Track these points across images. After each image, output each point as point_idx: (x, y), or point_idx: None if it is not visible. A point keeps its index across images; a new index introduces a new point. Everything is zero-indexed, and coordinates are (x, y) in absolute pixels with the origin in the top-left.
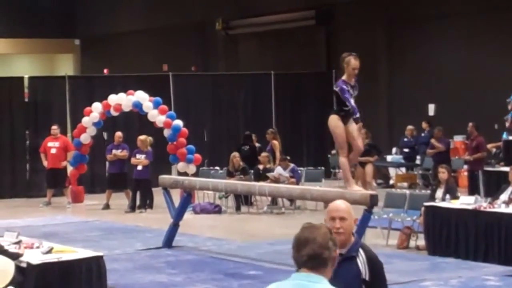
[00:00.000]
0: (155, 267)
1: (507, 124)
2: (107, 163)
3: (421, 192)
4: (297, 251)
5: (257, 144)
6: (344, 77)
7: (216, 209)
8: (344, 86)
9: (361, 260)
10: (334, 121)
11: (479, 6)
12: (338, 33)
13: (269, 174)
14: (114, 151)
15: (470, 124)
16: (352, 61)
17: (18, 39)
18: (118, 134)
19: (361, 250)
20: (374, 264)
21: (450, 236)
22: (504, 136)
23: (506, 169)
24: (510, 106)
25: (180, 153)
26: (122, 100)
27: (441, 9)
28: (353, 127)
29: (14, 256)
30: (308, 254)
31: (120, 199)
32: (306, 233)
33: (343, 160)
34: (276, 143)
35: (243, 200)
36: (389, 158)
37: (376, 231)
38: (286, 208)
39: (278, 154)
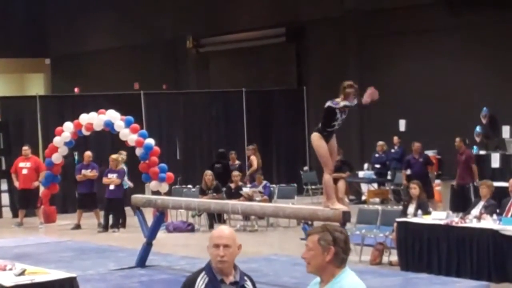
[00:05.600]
0: (128, 287)
1: (477, 139)
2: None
3: (393, 208)
4: (349, 248)
5: (237, 162)
6: (338, 100)
7: (189, 228)
8: (335, 106)
9: (251, 284)
10: (316, 140)
11: (448, 23)
12: (308, 50)
13: (243, 192)
14: (83, 171)
15: (458, 139)
16: (351, 97)
17: None
18: (88, 153)
19: (245, 277)
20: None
21: (423, 251)
22: (475, 150)
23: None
24: (485, 120)
25: (152, 171)
26: (93, 119)
27: (411, 26)
28: (334, 143)
29: None
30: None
31: (92, 219)
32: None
33: (326, 177)
34: (253, 158)
35: (216, 218)
36: (360, 174)
37: None
38: (260, 225)
39: (251, 169)
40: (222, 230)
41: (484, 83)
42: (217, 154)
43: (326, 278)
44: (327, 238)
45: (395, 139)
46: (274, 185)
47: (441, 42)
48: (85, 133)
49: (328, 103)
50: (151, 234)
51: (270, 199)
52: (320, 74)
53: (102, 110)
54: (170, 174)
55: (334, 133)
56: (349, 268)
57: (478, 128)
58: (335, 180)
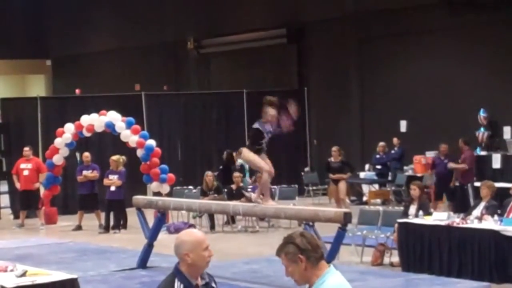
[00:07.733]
0: None
1: (480, 140)
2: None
3: (395, 209)
4: (316, 246)
5: (238, 162)
6: (264, 121)
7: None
8: (262, 130)
9: (214, 282)
10: (247, 153)
11: (449, 23)
12: (309, 51)
13: (246, 192)
14: (84, 172)
15: (460, 140)
16: (270, 111)
17: None
18: (85, 154)
19: (209, 276)
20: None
21: (424, 252)
22: (477, 151)
23: (478, 184)
24: (486, 120)
25: (153, 173)
26: (94, 121)
27: (411, 27)
28: (267, 159)
29: None
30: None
31: (93, 220)
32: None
33: (265, 176)
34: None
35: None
36: (362, 175)
37: (350, 248)
38: (261, 226)
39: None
40: (196, 232)
41: (485, 83)
42: (228, 154)
43: (313, 281)
44: (291, 250)
45: (395, 140)
46: (275, 186)
47: (442, 43)
48: (86, 134)
49: (257, 125)
50: (152, 235)
51: None
52: (321, 75)
53: (103, 111)
54: (171, 175)
55: (263, 150)
56: (333, 268)
57: (482, 129)
58: (336, 181)
